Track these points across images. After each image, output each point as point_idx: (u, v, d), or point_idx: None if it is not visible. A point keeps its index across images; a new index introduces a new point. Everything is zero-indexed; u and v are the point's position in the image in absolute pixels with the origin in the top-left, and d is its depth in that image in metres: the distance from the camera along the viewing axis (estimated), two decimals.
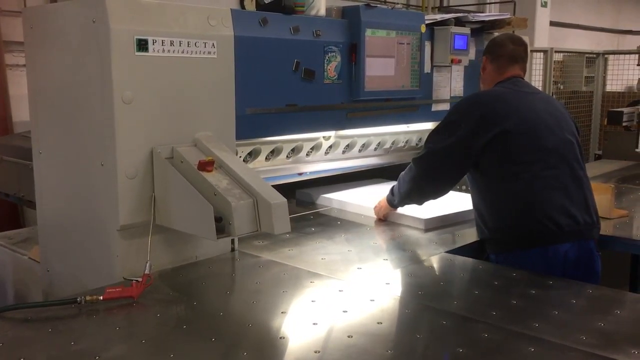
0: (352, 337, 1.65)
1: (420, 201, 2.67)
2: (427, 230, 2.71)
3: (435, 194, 2.61)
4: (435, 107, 3.36)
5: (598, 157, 5.24)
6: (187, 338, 1.67)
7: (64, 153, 2.26)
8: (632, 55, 7.21)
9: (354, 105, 2.90)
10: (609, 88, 7.37)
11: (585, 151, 6.83)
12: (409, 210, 2.78)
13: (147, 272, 1.97)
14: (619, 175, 4.29)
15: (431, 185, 2.59)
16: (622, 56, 7.36)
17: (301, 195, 3.38)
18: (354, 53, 2.81)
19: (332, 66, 2.75)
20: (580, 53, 7.32)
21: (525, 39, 4.11)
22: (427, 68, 3.21)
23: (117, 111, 2.02)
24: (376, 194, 3.07)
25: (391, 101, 3.08)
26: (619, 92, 7.41)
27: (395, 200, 2.73)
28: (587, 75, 7.47)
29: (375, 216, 2.90)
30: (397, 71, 2.99)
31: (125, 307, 1.86)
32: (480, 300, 1.93)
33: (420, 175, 2.57)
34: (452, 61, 3.22)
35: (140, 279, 1.93)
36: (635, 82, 7.65)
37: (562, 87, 7.42)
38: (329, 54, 2.73)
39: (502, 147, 2.41)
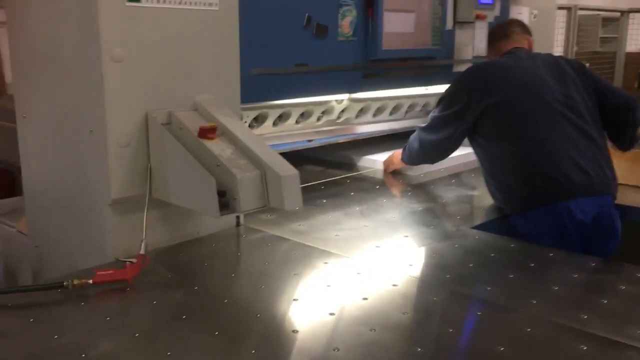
0: (374, 330, 1.45)
1: (430, 162, 2.78)
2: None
3: (442, 157, 2.70)
4: (457, 68, 3.11)
5: None
6: (187, 331, 1.46)
7: (49, 118, 2.03)
8: None
9: (371, 65, 2.64)
10: (628, 49, 7.03)
11: None
12: None
13: (142, 252, 1.76)
14: None
15: (437, 151, 2.65)
16: (638, 15, 6.96)
17: (339, 157, 3.22)
18: (370, 7, 2.54)
19: (347, 22, 2.49)
20: (603, 10, 6.94)
21: None
22: (449, 24, 2.94)
23: (106, 71, 1.77)
24: None
25: (410, 61, 2.83)
26: (637, 53, 7.09)
27: (407, 161, 2.81)
28: (602, 35, 7.15)
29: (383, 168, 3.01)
30: (417, 28, 2.74)
31: (118, 293, 1.66)
32: (516, 286, 1.72)
33: (427, 143, 2.62)
34: (476, 17, 2.94)
35: (134, 260, 1.73)
36: None
37: (576, 49, 7.09)
38: (344, 8, 2.46)
39: (502, 113, 2.40)
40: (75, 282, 1.65)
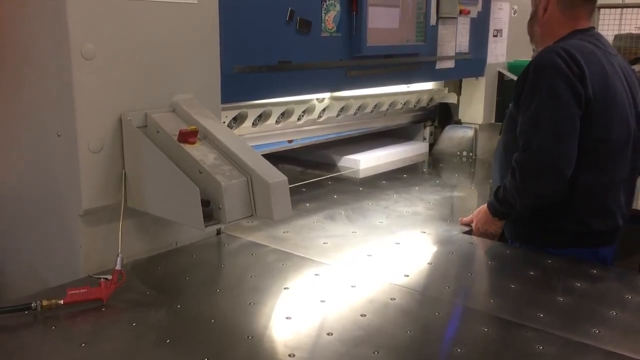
0: (378, 352, 1.34)
1: (544, 201, 1.94)
2: None
3: (562, 184, 1.87)
4: (440, 65, 3.01)
5: None
6: (173, 358, 1.33)
7: (13, 121, 1.86)
8: (612, 10, 6.92)
9: (355, 62, 2.52)
10: None
11: None
12: None
13: (118, 267, 1.61)
14: None
15: (554, 176, 1.86)
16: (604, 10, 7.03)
17: (318, 157, 3.13)
18: (354, 1, 2.42)
19: (331, 16, 2.36)
20: None
21: None
22: (432, 20, 2.84)
23: (75, 69, 1.61)
24: (405, 152, 3.31)
25: (393, 58, 2.72)
26: None
27: (505, 210, 2.02)
28: None
29: (468, 228, 2.18)
30: (402, 23, 2.62)
31: (93, 314, 1.51)
32: (520, 298, 1.63)
33: (536, 174, 1.89)
34: (460, 12, 2.85)
35: (109, 277, 1.58)
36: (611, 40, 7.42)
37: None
38: (327, 3, 2.34)
39: (590, 131, 1.86)
40: (45, 303, 1.50)
